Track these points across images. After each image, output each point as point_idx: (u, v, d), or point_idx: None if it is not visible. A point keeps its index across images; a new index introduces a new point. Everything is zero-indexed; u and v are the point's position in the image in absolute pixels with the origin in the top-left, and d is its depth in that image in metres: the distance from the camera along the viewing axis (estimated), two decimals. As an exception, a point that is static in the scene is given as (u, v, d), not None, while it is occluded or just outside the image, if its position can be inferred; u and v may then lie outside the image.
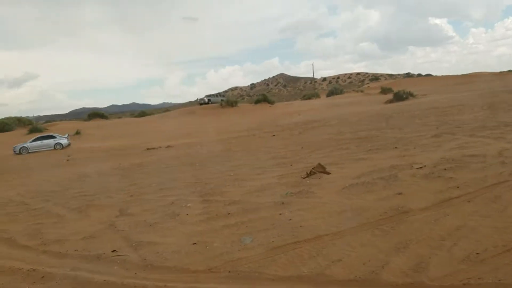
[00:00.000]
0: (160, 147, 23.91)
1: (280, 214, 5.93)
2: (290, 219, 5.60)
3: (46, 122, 66.26)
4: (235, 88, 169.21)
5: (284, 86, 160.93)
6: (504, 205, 5.05)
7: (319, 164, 8.65)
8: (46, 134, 32.97)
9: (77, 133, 39.63)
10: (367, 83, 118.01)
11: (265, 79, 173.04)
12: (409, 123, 17.24)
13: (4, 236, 6.32)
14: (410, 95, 36.15)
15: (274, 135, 22.06)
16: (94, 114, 57.14)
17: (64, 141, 30.97)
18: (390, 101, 37.23)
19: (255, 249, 4.67)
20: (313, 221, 5.45)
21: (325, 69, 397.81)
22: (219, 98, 51.85)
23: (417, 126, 15.48)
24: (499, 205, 5.08)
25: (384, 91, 45.57)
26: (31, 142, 30.10)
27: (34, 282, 4.30)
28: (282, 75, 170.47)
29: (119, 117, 71.71)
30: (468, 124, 13.78)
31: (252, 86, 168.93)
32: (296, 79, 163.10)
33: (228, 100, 50.12)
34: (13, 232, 6.54)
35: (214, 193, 7.96)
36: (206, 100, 50.73)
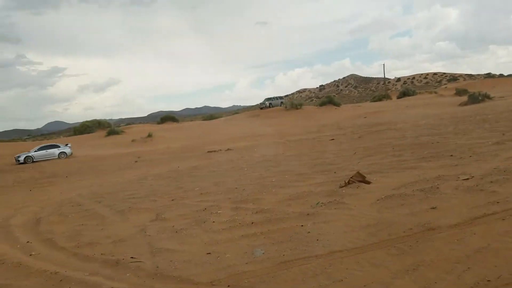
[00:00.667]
0: (220, 149, 24.51)
1: (302, 226, 5.75)
2: (309, 232, 5.42)
3: (127, 124, 71.17)
4: (304, 90, 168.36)
5: (355, 87, 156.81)
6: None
7: (358, 172, 8.27)
8: (50, 143, 33.63)
9: (149, 135, 41.91)
10: (445, 84, 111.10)
11: (335, 80, 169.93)
12: (477, 128, 15.91)
13: (48, 237, 6.85)
14: (486, 97, 33.41)
15: (333, 139, 21.56)
16: (166, 118, 60.10)
17: (67, 150, 31.44)
18: (465, 103, 34.71)
19: (263, 263, 4.57)
20: (332, 235, 5.22)
21: (399, 69, 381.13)
22: (279, 101, 51.90)
23: (484, 132, 14.23)
24: (538, 227, 4.48)
25: (459, 92, 42.56)
26: (35, 151, 30.34)
27: (52, 285, 4.60)
28: (353, 76, 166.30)
29: (191, 120, 74.90)
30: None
31: (321, 87, 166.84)
32: (368, 79, 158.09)
33: (292, 102, 49.93)
34: (57, 233, 7.07)
35: (248, 200, 7.95)
36: (267, 104, 50.96)
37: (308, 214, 6.31)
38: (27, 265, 5.40)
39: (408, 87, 67.27)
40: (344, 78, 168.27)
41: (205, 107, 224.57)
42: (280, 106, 51.00)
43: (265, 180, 10.20)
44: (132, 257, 5.24)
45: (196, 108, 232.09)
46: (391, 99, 58.77)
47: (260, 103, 53.22)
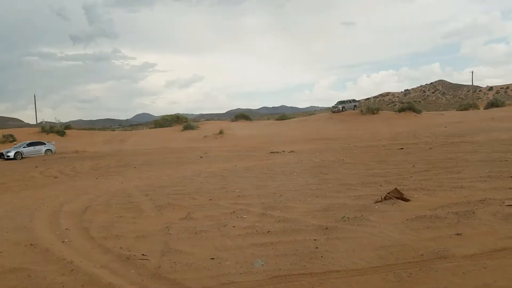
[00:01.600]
0: (283, 151, 24.51)
1: (315, 240, 5.58)
2: (317, 247, 5.24)
3: (206, 120, 74.22)
4: (387, 94, 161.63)
5: (443, 93, 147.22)
6: None
7: (396, 189, 7.79)
8: (37, 141, 35.33)
9: (220, 132, 43.29)
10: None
11: (421, 85, 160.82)
12: None
13: (85, 225, 7.40)
14: None
15: (402, 148, 20.51)
16: (240, 115, 61.49)
17: (52, 147, 33.76)
18: None
19: (256, 275, 4.53)
20: (339, 253, 5.00)
21: (493, 78, 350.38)
22: (353, 104, 50.27)
23: None
24: None
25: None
26: (24, 147, 32.25)
27: (63, 274, 4.96)
28: (441, 82, 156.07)
29: (268, 119, 75.79)
30: None
31: (406, 92, 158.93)
32: (457, 86, 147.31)
33: (368, 106, 48.23)
34: (94, 222, 7.61)
35: (278, 207, 7.89)
36: (340, 108, 49.61)
37: (327, 228, 6.11)
38: (53, 251, 5.89)
39: (498, 98, 61.50)
40: (431, 83, 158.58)
41: (283, 106, 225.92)
42: (354, 109, 49.53)
43: (306, 188, 10.03)
44: (143, 254, 5.49)
45: (274, 107, 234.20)
46: (478, 109, 54.20)
47: (333, 106, 51.93)
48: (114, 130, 71.65)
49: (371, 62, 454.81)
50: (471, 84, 79.72)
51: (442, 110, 73.50)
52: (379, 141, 27.81)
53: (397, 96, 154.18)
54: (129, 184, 13.32)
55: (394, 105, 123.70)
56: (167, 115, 55.03)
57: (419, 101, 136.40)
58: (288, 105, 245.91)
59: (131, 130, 70.67)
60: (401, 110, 46.94)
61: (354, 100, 52.02)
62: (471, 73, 75.97)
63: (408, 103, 50.35)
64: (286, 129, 46.29)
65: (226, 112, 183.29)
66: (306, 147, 27.15)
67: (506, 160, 11.85)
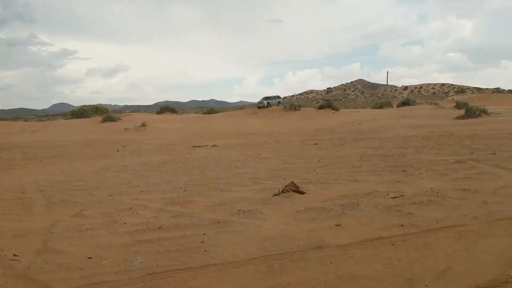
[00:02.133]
0: (206, 145, 24.27)
1: (204, 234, 5.54)
2: (203, 242, 5.20)
3: (131, 111, 71.20)
4: (311, 92, 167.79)
5: (362, 92, 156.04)
6: (425, 256, 4.22)
7: (292, 182, 8.05)
8: None
9: (143, 125, 41.83)
10: (452, 96, 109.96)
11: (342, 84, 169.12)
12: (456, 144, 15.64)
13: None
14: (484, 112, 32.85)
15: (316, 144, 21.32)
16: (166, 108, 59.99)
17: None
18: (462, 117, 34.19)
19: (131, 273, 4.35)
20: (223, 246, 5.00)
21: (408, 78, 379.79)
22: (277, 101, 51.60)
23: (461, 148, 14.02)
24: (418, 255, 4.26)
25: (459, 106, 41.88)
26: None
27: None
28: (361, 81, 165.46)
29: (196, 112, 74.70)
30: (505, 152, 12.07)
31: (329, 90, 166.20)
32: (375, 85, 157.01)
33: (291, 103, 49.57)
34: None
35: (179, 202, 7.71)
36: (265, 103, 50.56)
37: (219, 222, 6.10)
38: None
39: (409, 97, 66.73)
40: (352, 82, 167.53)
41: (212, 100, 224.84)
42: (278, 105, 50.70)
43: (215, 182, 9.98)
44: (14, 254, 5.06)
45: (203, 100, 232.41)
46: (392, 107, 58.19)
47: (258, 102, 52.71)
48: (27, 121, 66.14)
49: (296, 60, 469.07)
50: (387, 83, 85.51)
51: (360, 108, 77.78)
52: (298, 137, 28.70)
53: (320, 94, 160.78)
54: (28, 178, 12.33)
55: (317, 102, 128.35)
56: (85, 105, 52.02)
57: (340, 99, 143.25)
58: (218, 99, 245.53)
59: (46, 121, 65.73)
60: (321, 107, 48.93)
61: (278, 97, 53.21)
62: (386, 73, 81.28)
63: (327, 101, 52.54)
64: (212, 123, 45.98)
65: (154, 104, 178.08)
66: (229, 141, 27.18)
67: (404, 155, 12.78)
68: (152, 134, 37.39)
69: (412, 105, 53.88)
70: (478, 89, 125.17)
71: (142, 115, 56.18)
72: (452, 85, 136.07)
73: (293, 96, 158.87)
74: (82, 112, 48.78)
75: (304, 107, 53.47)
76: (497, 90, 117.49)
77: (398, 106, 56.16)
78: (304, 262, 4.26)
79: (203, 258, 4.65)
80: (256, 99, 54.16)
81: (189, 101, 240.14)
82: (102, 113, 49.30)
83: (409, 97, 68.06)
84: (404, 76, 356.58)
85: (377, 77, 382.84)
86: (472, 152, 12.34)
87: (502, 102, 58.34)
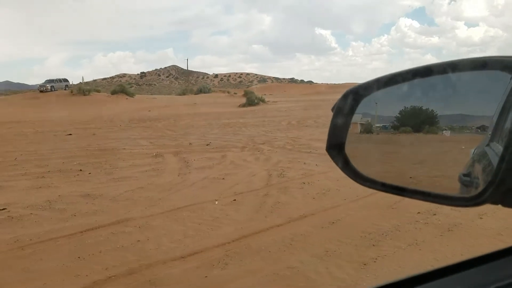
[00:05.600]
0: None
1: None
2: None
3: None
4: (124, 75, 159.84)
5: (176, 78, 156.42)
6: None
7: None
8: None
9: None
10: (256, 84, 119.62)
11: (156, 69, 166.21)
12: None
13: None
14: (262, 101, 35.58)
15: (70, 134, 18.87)
16: None
17: None
18: (243, 105, 36.30)
19: None
20: None
21: (219, 66, 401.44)
22: (63, 84, 46.30)
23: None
24: None
25: (247, 94, 44.75)
26: None
27: None
28: (174, 67, 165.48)
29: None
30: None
31: (143, 74, 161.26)
32: (189, 72, 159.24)
33: (79, 87, 44.79)
34: None
35: None
36: (49, 87, 44.63)
37: None
38: None
39: (204, 85, 69.29)
40: (165, 68, 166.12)
41: (7, 82, 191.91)
42: (65, 90, 45.34)
43: None
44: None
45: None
46: (193, 94, 58.96)
47: (40, 85, 46.08)
48: None
49: (106, 41, 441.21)
50: (201, 71, 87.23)
51: (167, 94, 76.98)
52: (68, 126, 25.45)
53: (134, 78, 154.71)
54: None
55: (130, 87, 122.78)
56: None
57: (154, 84, 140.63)
58: (14, 81, 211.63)
59: None
60: (114, 92, 45.77)
61: (65, 80, 47.47)
62: (186, 60, 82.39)
63: (120, 86, 49.55)
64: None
65: None
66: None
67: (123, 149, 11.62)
68: None
69: (208, 92, 55.54)
70: (277, 78, 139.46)
71: None
72: (256, 74, 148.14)
73: (105, 79, 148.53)
74: None
75: (100, 92, 49.32)
76: (292, 80, 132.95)
77: (195, 93, 57.13)
78: None
79: None
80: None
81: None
82: None
83: (205, 85, 70.27)
84: (216, 65, 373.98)
85: (192, 64, 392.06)
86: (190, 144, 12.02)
87: (291, 90, 65.66)
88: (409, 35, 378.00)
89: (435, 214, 5.00)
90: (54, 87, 44.79)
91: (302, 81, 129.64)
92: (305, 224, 4.83)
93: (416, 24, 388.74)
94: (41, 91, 44.93)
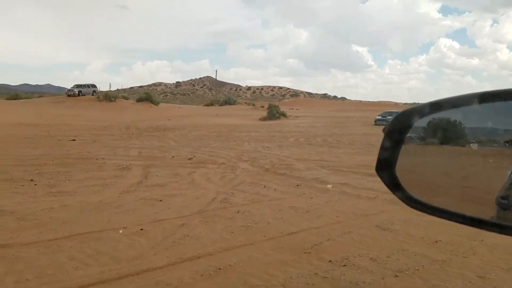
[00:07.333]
0: None
1: None
2: None
3: None
4: (160, 84, 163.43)
5: (210, 89, 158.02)
6: None
7: None
8: None
9: None
10: (288, 98, 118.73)
11: (191, 79, 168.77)
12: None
13: None
14: (283, 115, 34.66)
15: (74, 140, 18.57)
16: None
17: None
18: (264, 119, 35.48)
19: None
20: None
21: (253, 79, 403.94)
22: (91, 90, 46.98)
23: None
24: None
25: (270, 107, 43.98)
26: None
27: None
28: (209, 78, 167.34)
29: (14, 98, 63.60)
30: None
31: (178, 84, 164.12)
32: (222, 83, 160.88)
33: (106, 94, 45.40)
34: None
35: None
36: (77, 92, 45.37)
37: None
38: None
39: (230, 96, 69.04)
40: (200, 78, 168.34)
41: (48, 85, 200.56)
42: (92, 95, 46.06)
43: None
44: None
45: (37, 85, 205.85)
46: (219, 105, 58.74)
47: (68, 90, 47.00)
48: None
49: (145, 50, 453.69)
50: (234, 83, 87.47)
51: (202, 105, 77.33)
52: (82, 131, 25.38)
53: (169, 87, 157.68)
54: None
55: (166, 96, 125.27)
56: None
57: (189, 94, 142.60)
58: (55, 84, 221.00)
59: None
60: (139, 100, 46.12)
61: (93, 85, 48.26)
62: (214, 71, 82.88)
63: (146, 94, 49.86)
64: (7, 110, 39.05)
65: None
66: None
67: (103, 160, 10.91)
68: None
69: (234, 104, 55.07)
70: (310, 93, 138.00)
71: None
72: (289, 88, 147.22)
73: (141, 87, 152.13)
74: None
75: (127, 99, 49.90)
76: (325, 96, 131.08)
77: (221, 104, 56.83)
78: None
79: None
80: (102, 87, 47.91)
81: (21, 84, 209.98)
82: None
83: (230, 96, 69.95)
84: (250, 77, 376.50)
85: (225, 76, 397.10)
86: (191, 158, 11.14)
87: (318, 106, 64.30)
88: (448, 55, 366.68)
89: (345, 265, 3.89)
90: (82, 92, 45.55)
91: (335, 97, 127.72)
92: (189, 267, 3.82)
93: (456, 45, 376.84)
94: (68, 95, 45.81)
